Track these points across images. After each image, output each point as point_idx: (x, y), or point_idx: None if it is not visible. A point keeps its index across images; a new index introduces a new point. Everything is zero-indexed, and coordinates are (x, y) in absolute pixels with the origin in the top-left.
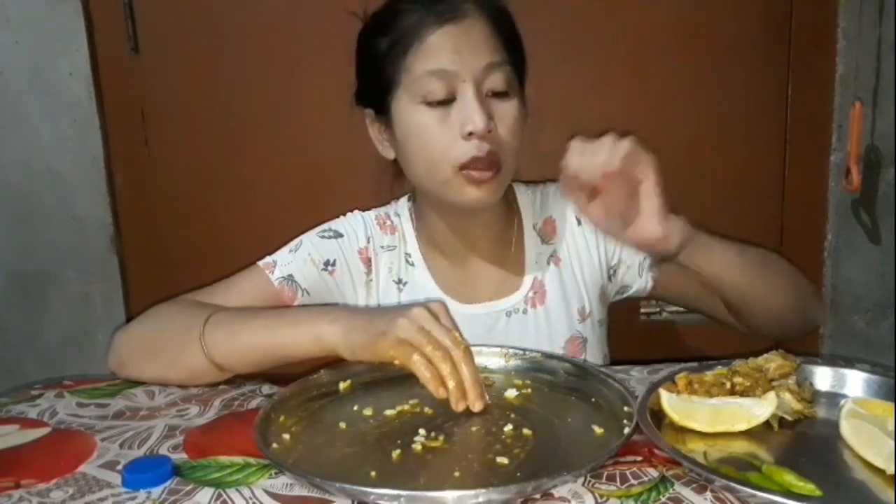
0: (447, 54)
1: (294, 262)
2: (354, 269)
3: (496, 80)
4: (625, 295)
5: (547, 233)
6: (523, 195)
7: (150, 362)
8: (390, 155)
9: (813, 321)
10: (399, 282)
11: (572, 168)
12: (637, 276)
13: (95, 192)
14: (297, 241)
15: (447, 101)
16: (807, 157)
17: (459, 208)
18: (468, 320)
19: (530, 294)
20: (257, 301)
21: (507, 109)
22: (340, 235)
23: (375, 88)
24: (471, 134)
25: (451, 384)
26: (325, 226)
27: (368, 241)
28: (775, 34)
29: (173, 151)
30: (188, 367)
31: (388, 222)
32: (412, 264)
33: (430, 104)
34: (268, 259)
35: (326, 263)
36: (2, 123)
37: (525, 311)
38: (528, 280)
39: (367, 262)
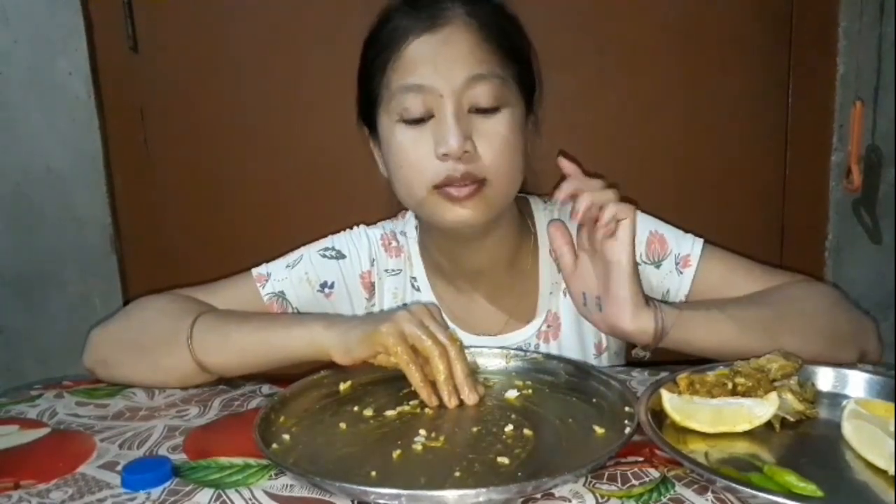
0: (424, 67)
1: (289, 279)
2: (354, 293)
3: (479, 95)
4: None
5: None
6: (541, 212)
7: (131, 363)
8: (386, 174)
9: (863, 359)
10: (403, 306)
11: (566, 189)
12: None
13: (95, 192)
14: (296, 254)
15: (424, 120)
16: (808, 156)
17: (446, 233)
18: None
19: (543, 328)
20: (242, 310)
21: (492, 126)
22: (343, 256)
23: (365, 104)
24: (445, 155)
25: (441, 378)
26: (329, 241)
27: (372, 264)
28: (776, 34)
29: (173, 151)
30: (172, 369)
31: (394, 243)
32: (418, 289)
33: (407, 122)
34: (262, 269)
35: (323, 285)
36: (1, 123)
37: (537, 347)
38: (541, 313)
39: (370, 287)
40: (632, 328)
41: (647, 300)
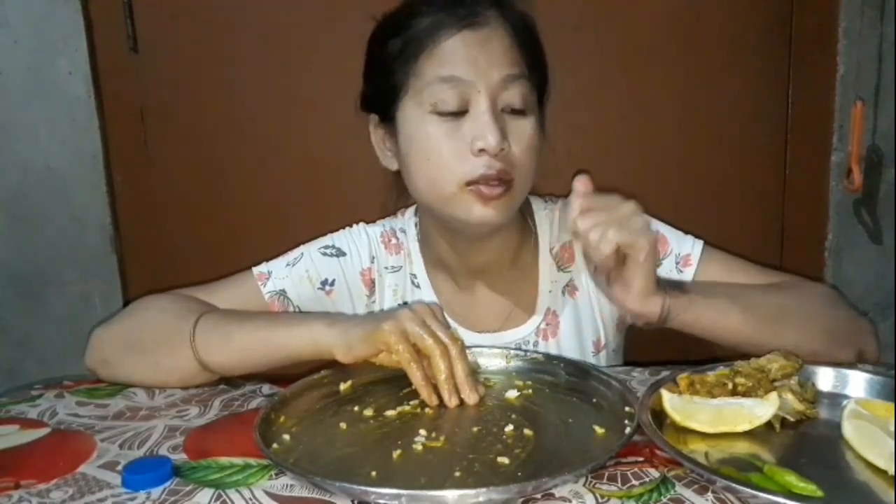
0: (462, 61)
1: (289, 278)
2: (355, 290)
3: (513, 96)
4: None
5: (564, 259)
6: (541, 211)
7: (133, 362)
8: (393, 166)
9: (861, 358)
10: (405, 305)
11: (577, 226)
12: None
13: (95, 192)
14: (296, 252)
15: (458, 113)
16: (808, 156)
17: (464, 230)
18: None
19: (542, 325)
20: (244, 309)
21: (522, 128)
22: (343, 254)
23: (382, 92)
24: (482, 151)
25: (442, 377)
26: (329, 239)
27: (373, 262)
28: (776, 34)
29: (173, 151)
30: (174, 369)
31: (394, 240)
32: (418, 286)
33: (441, 114)
34: (262, 268)
35: (324, 283)
36: (1, 123)
37: (536, 344)
38: (540, 311)
39: (370, 284)
40: (637, 310)
41: (659, 285)
